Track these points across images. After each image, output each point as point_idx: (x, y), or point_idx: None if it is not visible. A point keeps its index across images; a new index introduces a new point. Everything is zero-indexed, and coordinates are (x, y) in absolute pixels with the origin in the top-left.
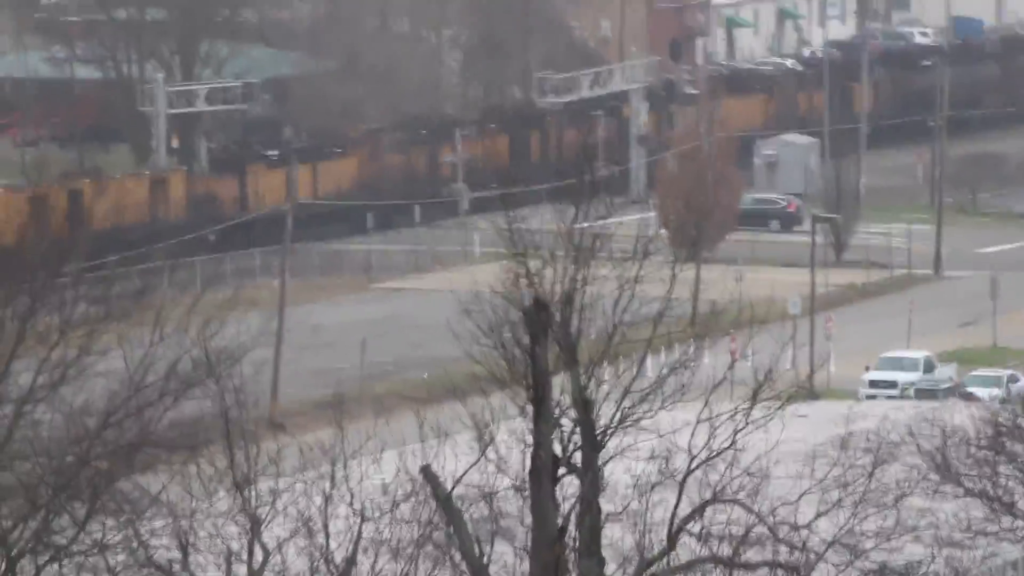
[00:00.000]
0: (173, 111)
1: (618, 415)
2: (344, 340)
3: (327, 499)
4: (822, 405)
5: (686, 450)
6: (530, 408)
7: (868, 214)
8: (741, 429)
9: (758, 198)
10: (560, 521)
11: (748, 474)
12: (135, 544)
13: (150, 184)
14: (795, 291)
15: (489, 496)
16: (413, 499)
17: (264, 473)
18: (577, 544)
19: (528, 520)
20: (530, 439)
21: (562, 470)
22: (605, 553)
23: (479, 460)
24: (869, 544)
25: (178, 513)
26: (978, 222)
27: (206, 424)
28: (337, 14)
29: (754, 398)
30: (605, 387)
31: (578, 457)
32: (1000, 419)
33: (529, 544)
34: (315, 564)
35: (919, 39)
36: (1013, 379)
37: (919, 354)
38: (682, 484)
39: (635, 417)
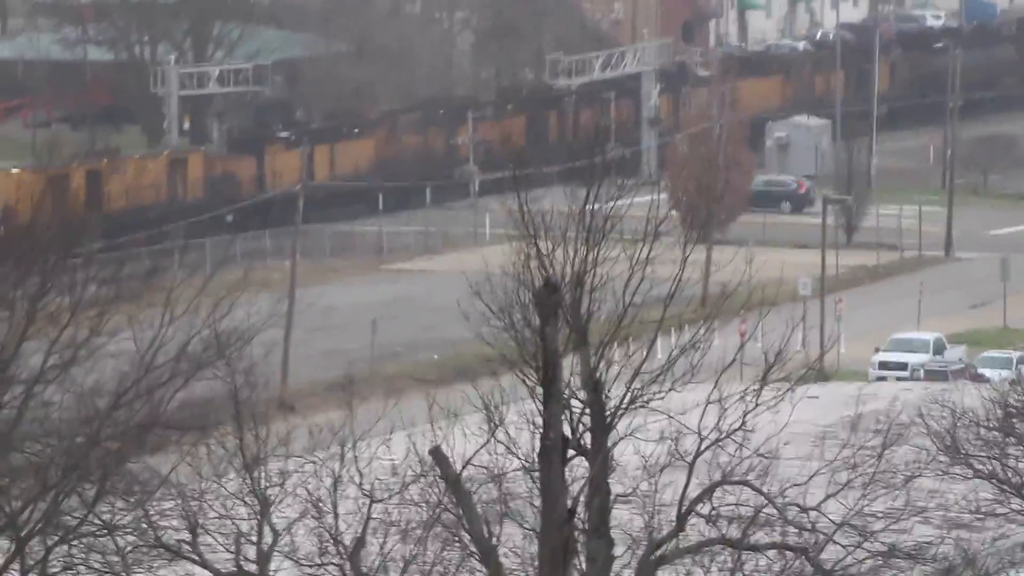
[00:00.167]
0: (185, 93)
1: (628, 396)
2: (354, 321)
3: (336, 480)
4: (832, 386)
5: (696, 431)
6: (540, 389)
7: (879, 196)
8: (751, 410)
9: (769, 180)
10: (569, 502)
11: (758, 455)
12: (144, 525)
13: (168, 164)
14: (806, 272)
15: (498, 477)
16: (422, 480)
17: (274, 454)
18: (586, 525)
19: (537, 501)
20: (539, 420)
21: (571, 451)
22: (614, 534)
23: (488, 441)
24: (878, 526)
25: (187, 494)
26: (990, 204)
27: (216, 405)
28: None
29: (764, 379)
30: (615, 368)
31: (588, 438)
32: (1010, 400)
33: (538, 525)
34: (324, 545)
35: (931, 22)
36: (1023, 360)
37: (929, 335)
38: (691, 465)
39: (645, 398)
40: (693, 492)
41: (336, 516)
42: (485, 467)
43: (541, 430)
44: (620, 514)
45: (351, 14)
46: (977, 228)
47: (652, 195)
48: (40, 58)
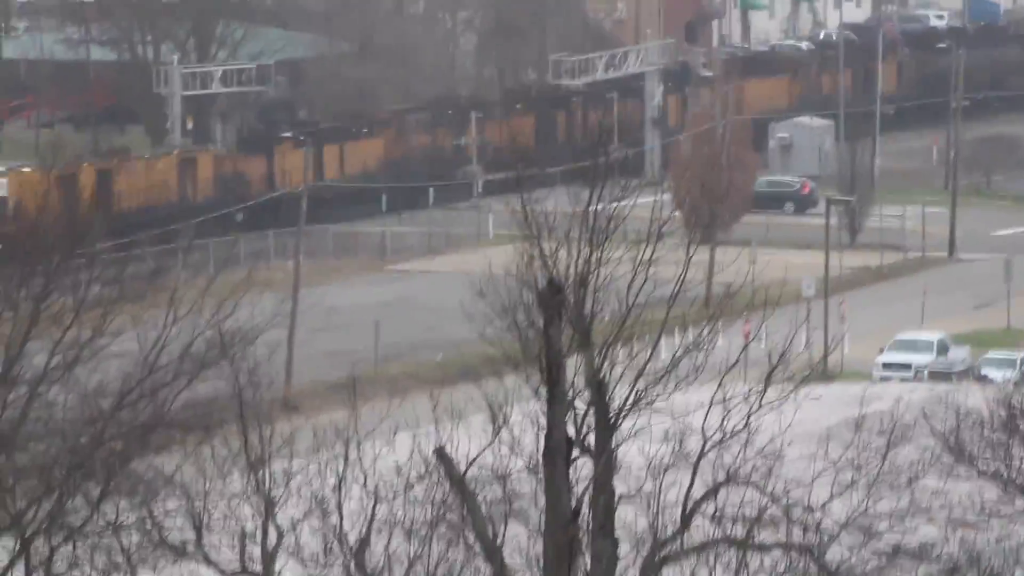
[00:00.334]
0: (188, 93)
1: (632, 397)
2: (358, 322)
3: (341, 480)
4: (836, 387)
5: (700, 432)
6: (544, 390)
7: (883, 196)
8: (755, 411)
9: (773, 180)
10: (574, 502)
11: (762, 456)
12: (149, 525)
13: (178, 164)
14: (809, 273)
15: (503, 478)
16: (427, 480)
17: (278, 454)
18: (591, 525)
19: (542, 501)
20: (544, 421)
21: (576, 451)
22: (619, 534)
23: (493, 441)
24: (883, 525)
25: (192, 494)
26: (993, 204)
27: (220, 405)
28: None
29: (768, 380)
30: (619, 369)
31: (592, 439)
32: (1014, 401)
33: (543, 525)
34: (329, 545)
35: (935, 21)
36: None
37: (933, 336)
38: (696, 465)
39: (649, 399)
40: (698, 492)
41: (340, 516)
42: (489, 467)
43: (545, 430)
44: (625, 514)
45: (354, 14)
46: (980, 229)
47: (655, 196)
48: (43, 58)
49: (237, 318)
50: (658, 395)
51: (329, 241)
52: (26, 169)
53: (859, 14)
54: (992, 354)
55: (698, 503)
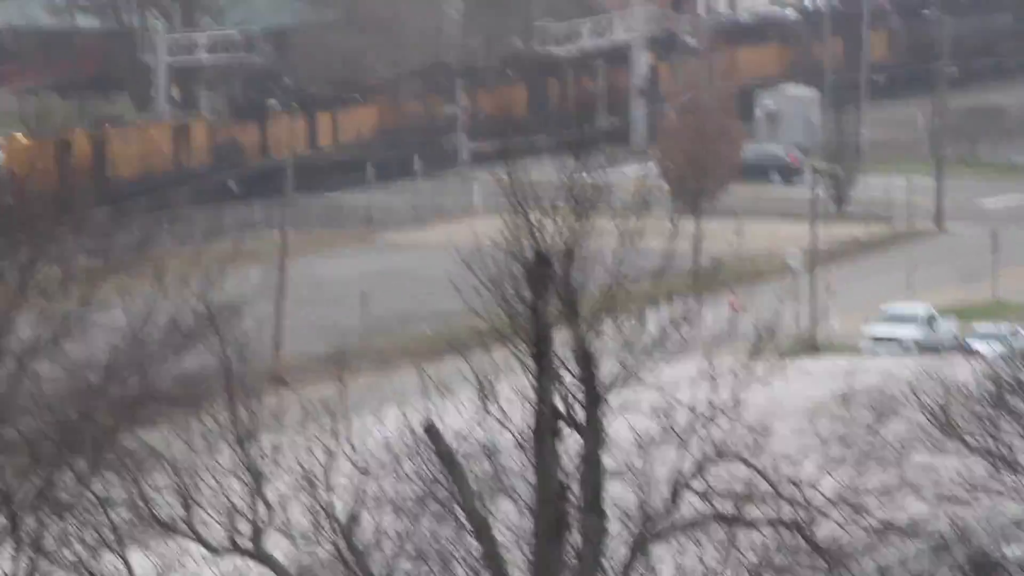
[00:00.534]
0: (173, 60)
1: (620, 370)
2: (346, 294)
3: (330, 455)
4: (824, 360)
5: (688, 406)
6: (532, 363)
7: (869, 166)
8: (743, 385)
9: (759, 150)
10: (563, 478)
11: (750, 430)
12: (138, 500)
13: (173, 132)
14: (795, 244)
15: (492, 452)
16: (416, 455)
17: (266, 428)
18: (580, 501)
19: (531, 476)
20: (532, 395)
21: (564, 426)
22: (607, 510)
23: (482, 416)
24: (871, 501)
25: (180, 468)
26: (979, 174)
27: (208, 379)
28: None
29: (756, 353)
30: (607, 341)
31: (580, 413)
32: (1002, 375)
33: (532, 501)
34: (317, 519)
35: None
36: (1014, 333)
37: (921, 308)
38: (684, 441)
39: (636, 371)
40: (686, 467)
41: (330, 491)
42: (478, 442)
43: (534, 405)
44: (614, 489)
45: None
46: (967, 198)
47: (642, 165)
48: (28, 25)
49: (224, 290)
50: (646, 365)
51: (316, 211)
52: (19, 135)
53: None
54: (979, 327)
55: (687, 479)
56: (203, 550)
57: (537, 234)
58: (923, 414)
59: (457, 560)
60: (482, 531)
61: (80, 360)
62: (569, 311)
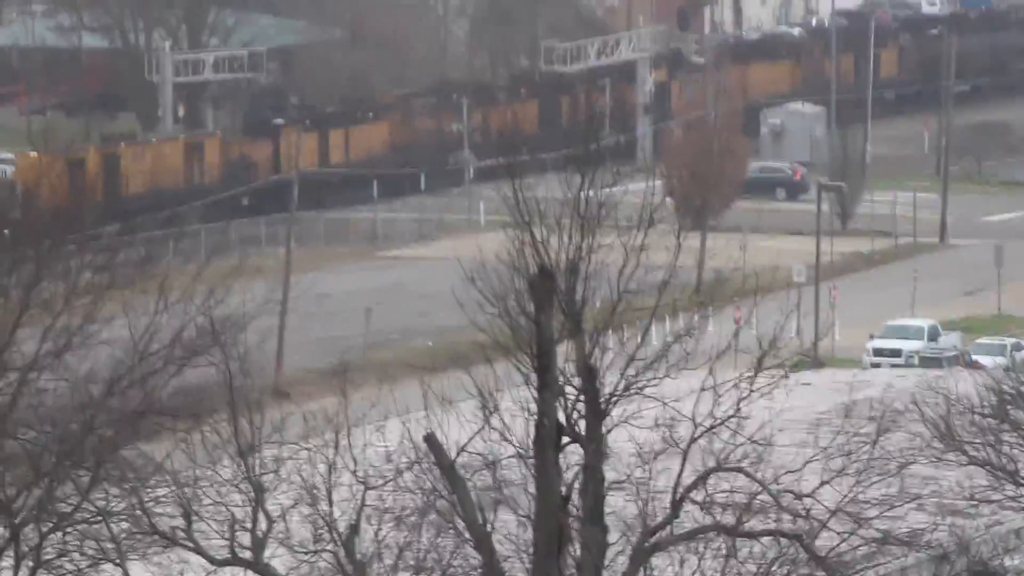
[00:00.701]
0: (180, 80)
1: (622, 383)
2: (349, 308)
3: (331, 467)
4: (826, 373)
5: (690, 418)
6: (534, 376)
7: (874, 183)
8: (745, 397)
9: (764, 166)
10: (564, 489)
11: (752, 442)
12: (139, 512)
13: (185, 148)
14: (800, 259)
15: (493, 464)
16: (417, 467)
17: (268, 441)
18: (581, 512)
19: (532, 488)
20: (534, 407)
21: (566, 438)
22: (608, 521)
23: (483, 428)
24: (872, 512)
25: (182, 481)
26: (984, 190)
27: (210, 392)
28: None
29: (758, 366)
30: (610, 355)
31: (582, 425)
32: (1004, 387)
33: (533, 512)
34: (319, 532)
35: (927, 8)
36: (1017, 347)
37: (924, 322)
38: (686, 452)
39: (639, 385)
40: (687, 479)
41: (331, 503)
42: (480, 454)
43: (536, 417)
44: (615, 501)
45: (345, 1)
46: (971, 215)
47: (647, 182)
48: (35, 45)
49: (228, 305)
50: (648, 382)
51: (321, 227)
52: (33, 153)
53: (850, 0)
54: (982, 340)
55: (688, 490)
56: (204, 561)
57: (541, 249)
58: (925, 426)
59: (457, 571)
60: (482, 542)
61: (83, 374)
62: (572, 325)
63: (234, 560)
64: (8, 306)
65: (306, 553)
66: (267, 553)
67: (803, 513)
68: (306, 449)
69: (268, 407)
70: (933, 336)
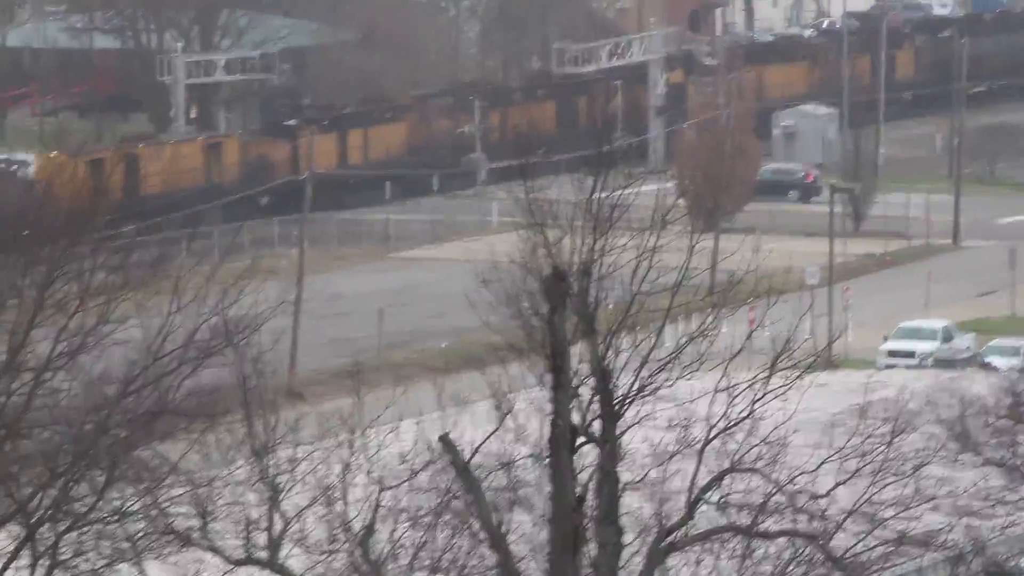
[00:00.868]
0: (192, 81)
1: (636, 384)
2: (362, 309)
3: (346, 468)
4: (841, 375)
5: (704, 419)
6: (548, 377)
7: (887, 184)
8: (759, 398)
9: (776, 168)
10: (579, 490)
11: (766, 443)
12: (154, 512)
13: (204, 149)
14: (813, 261)
15: (507, 465)
16: (431, 468)
17: (283, 442)
18: (596, 513)
19: (547, 489)
20: (548, 408)
21: (580, 439)
22: (624, 522)
23: (497, 429)
24: (888, 513)
25: (197, 481)
26: (997, 192)
27: (225, 393)
28: None
29: (772, 367)
30: (624, 356)
31: (596, 426)
32: (1019, 388)
33: (548, 513)
34: (334, 532)
35: (938, 10)
36: None
37: (938, 324)
38: (700, 453)
39: (653, 386)
40: (703, 480)
41: (346, 503)
42: (494, 455)
43: (550, 418)
44: (630, 502)
45: (357, 2)
46: (985, 217)
47: (659, 184)
48: (47, 46)
49: (242, 305)
50: (662, 383)
51: (334, 228)
52: (53, 153)
53: (862, 2)
54: (996, 342)
55: (703, 491)
56: (219, 561)
57: (554, 250)
58: (940, 427)
59: (472, 572)
60: (498, 543)
61: (97, 374)
62: (586, 326)
63: (249, 560)
64: (22, 307)
65: (321, 553)
66: (282, 553)
67: (819, 514)
68: (321, 450)
69: (282, 408)
70: (947, 337)
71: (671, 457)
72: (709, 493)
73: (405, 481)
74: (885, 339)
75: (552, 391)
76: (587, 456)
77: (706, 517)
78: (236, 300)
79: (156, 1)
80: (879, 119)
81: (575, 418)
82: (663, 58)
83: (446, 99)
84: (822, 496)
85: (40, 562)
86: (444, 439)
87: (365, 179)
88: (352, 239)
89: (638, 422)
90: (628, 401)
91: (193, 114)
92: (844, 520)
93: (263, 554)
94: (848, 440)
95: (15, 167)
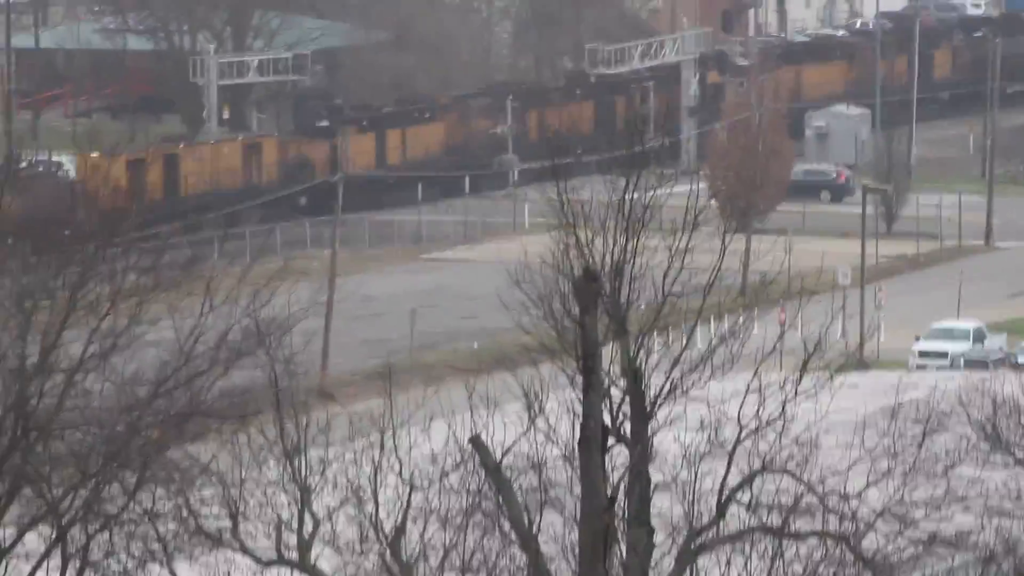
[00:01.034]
0: (224, 82)
1: (667, 385)
2: (394, 310)
3: (376, 468)
4: (872, 375)
5: (735, 420)
6: (579, 378)
7: (919, 185)
8: (790, 399)
9: (809, 169)
10: (609, 491)
11: (797, 444)
12: (185, 513)
13: (243, 149)
14: (845, 262)
15: (538, 466)
16: (462, 468)
17: (314, 442)
18: (626, 514)
19: (577, 490)
20: (579, 409)
21: (611, 440)
22: (654, 522)
23: (528, 430)
24: (919, 514)
25: (228, 482)
26: None
27: (256, 394)
28: None
29: (804, 368)
30: (655, 357)
31: (627, 427)
32: None
33: (578, 513)
34: (364, 533)
35: (971, 10)
36: None
37: (969, 324)
38: (731, 454)
39: (685, 387)
40: (733, 480)
41: (376, 504)
42: (525, 455)
43: (581, 419)
44: (660, 502)
45: (390, 3)
46: (1017, 217)
47: (691, 184)
48: (80, 48)
49: (273, 307)
50: (694, 384)
51: (365, 229)
52: (94, 154)
53: (895, 3)
54: None
55: (734, 491)
56: (250, 562)
57: (586, 250)
58: (971, 427)
59: (503, 572)
60: (528, 543)
61: (129, 375)
62: (617, 327)
63: (280, 561)
64: (55, 308)
65: (352, 554)
66: (313, 554)
67: (849, 514)
68: (352, 450)
69: (313, 409)
70: (979, 338)
71: (702, 458)
72: (740, 494)
73: (436, 482)
74: (917, 340)
75: (583, 392)
76: (618, 457)
77: (737, 518)
78: (268, 301)
79: (189, 2)
80: (912, 119)
81: (606, 419)
82: (695, 59)
83: (485, 99)
84: (853, 497)
85: (71, 563)
86: (475, 440)
87: (400, 180)
88: (384, 240)
89: (669, 423)
90: (659, 402)
91: (225, 115)
92: (875, 521)
93: (294, 555)
94: (879, 441)
95: (57, 169)
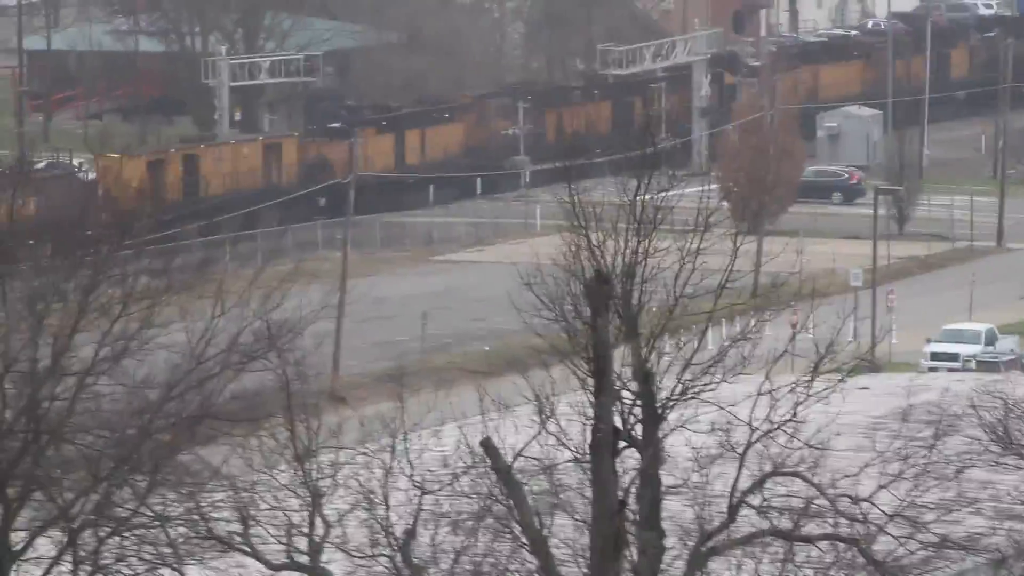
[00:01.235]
0: (236, 84)
1: (679, 388)
2: (405, 313)
3: (388, 472)
4: (883, 377)
5: (747, 423)
6: (591, 381)
7: (931, 186)
8: (802, 401)
9: (820, 170)
10: (620, 494)
11: (809, 446)
12: (196, 517)
13: (263, 149)
14: (857, 263)
15: (549, 469)
16: (473, 472)
17: (325, 446)
18: (637, 517)
19: (588, 493)
20: (591, 412)
21: (622, 443)
22: (665, 526)
23: (539, 433)
24: (930, 517)
25: (239, 486)
26: None
27: (267, 397)
28: None
29: (815, 370)
30: (666, 360)
31: (639, 430)
32: None
33: (589, 517)
34: (375, 536)
35: (983, 11)
36: None
37: (981, 326)
38: (743, 457)
39: (696, 390)
40: (744, 483)
41: (387, 507)
42: (536, 458)
43: (592, 421)
44: (671, 505)
45: (401, 4)
46: None
47: (702, 186)
48: (92, 49)
49: (284, 309)
50: (705, 386)
51: (377, 232)
52: (111, 154)
53: (906, 3)
54: None
55: (745, 494)
56: (261, 566)
57: (597, 252)
58: (983, 430)
59: None
60: (539, 547)
61: (140, 379)
62: (629, 329)
63: (291, 565)
64: (66, 311)
65: (363, 558)
66: (324, 558)
67: (860, 517)
68: (363, 454)
69: (325, 412)
70: (990, 340)
71: (713, 461)
72: (751, 497)
73: (447, 485)
74: (928, 342)
75: (594, 394)
76: (629, 459)
77: (748, 521)
78: (279, 304)
79: (200, 4)
80: (923, 120)
81: (617, 421)
82: (707, 59)
83: (504, 99)
84: (864, 500)
85: (82, 567)
86: (486, 443)
87: (418, 181)
88: (395, 242)
89: (680, 425)
90: (670, 404)
91: (237, 116)
92: (886, 524)
93: (305, 559)
94: (890, 443)
95: (80, 171)
